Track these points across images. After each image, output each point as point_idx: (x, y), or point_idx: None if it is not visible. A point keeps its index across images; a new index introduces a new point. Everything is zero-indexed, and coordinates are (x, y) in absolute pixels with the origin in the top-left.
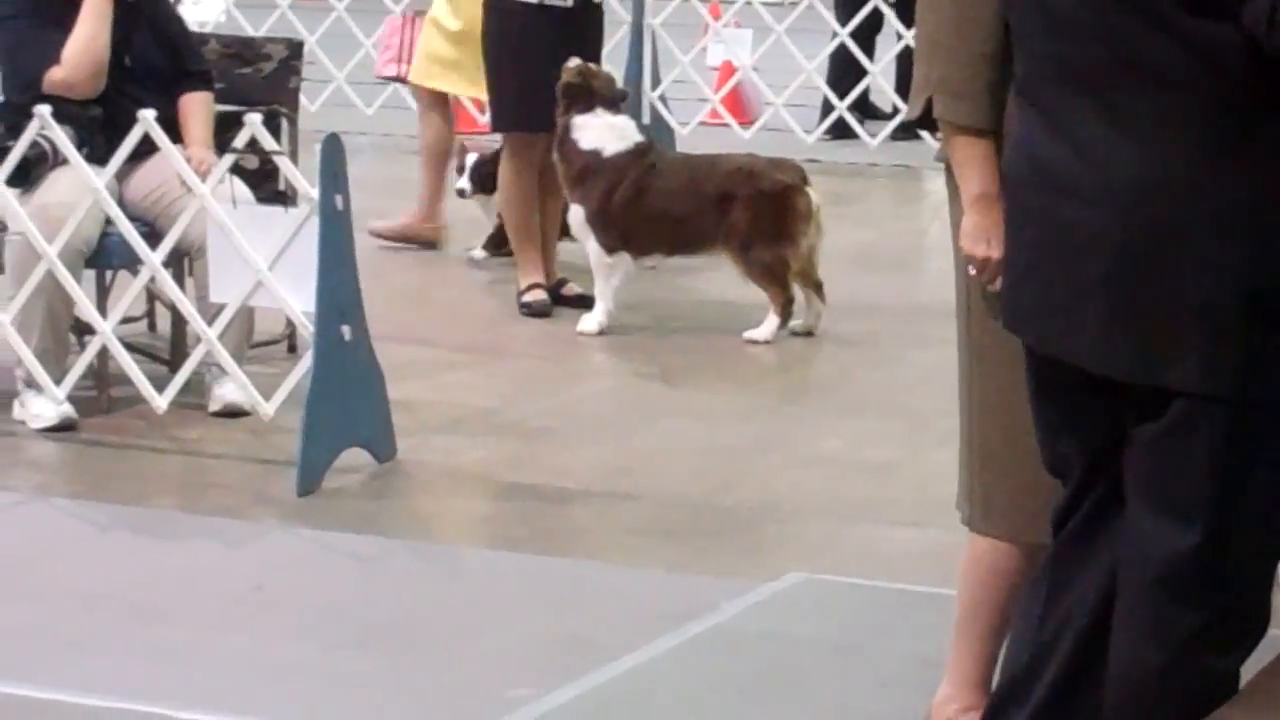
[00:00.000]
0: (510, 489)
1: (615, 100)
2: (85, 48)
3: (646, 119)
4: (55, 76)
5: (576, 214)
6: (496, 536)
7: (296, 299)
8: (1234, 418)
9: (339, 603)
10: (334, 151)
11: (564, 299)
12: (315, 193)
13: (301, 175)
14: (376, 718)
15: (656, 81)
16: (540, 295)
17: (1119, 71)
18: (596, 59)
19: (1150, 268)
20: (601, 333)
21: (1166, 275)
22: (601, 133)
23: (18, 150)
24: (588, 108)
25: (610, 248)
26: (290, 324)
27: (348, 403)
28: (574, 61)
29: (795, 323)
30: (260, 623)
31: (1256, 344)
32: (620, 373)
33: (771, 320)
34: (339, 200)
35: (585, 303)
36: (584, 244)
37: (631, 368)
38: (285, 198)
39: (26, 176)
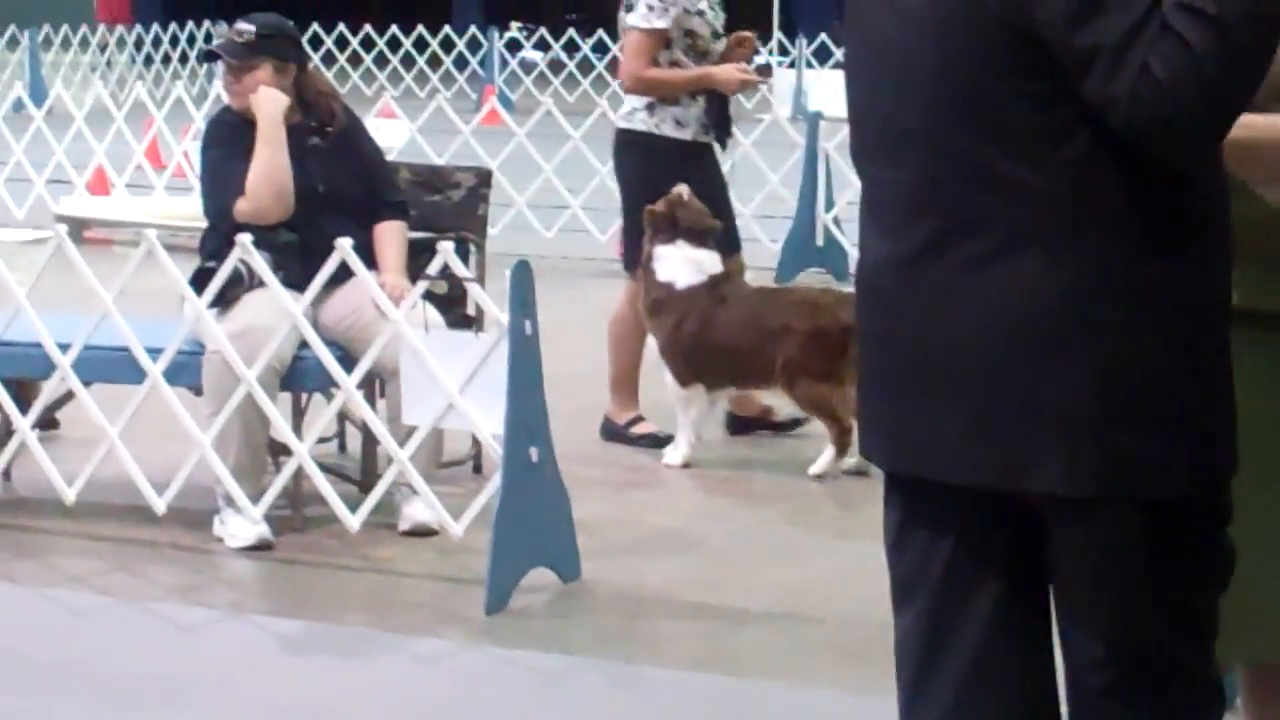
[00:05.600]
0: (694, 609)
1: (700, 232)
2: (265, 176)
3: (820, 241)
4: (241, 207)
5: (652, 345)
6: (681, 657)
7: (486, 421)
8: (1115, 519)
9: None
10: (523, 278)
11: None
12: (505, 318)
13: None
14: None
15: (830, 204)
16: (653, 427)
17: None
18: (716, 189)
19: (1002, 376)
20: (686, 465)
21: (1021, 383)
22: (679, 265)
23: (221, 275)
24: (670, 239)
25: (683, 380)
26: (476, 445)
27: (535, 523)
28: (679, 189)
29: (849, 461)
30: None
31: (1115, 443)
32: (795, 495)
33: (828, 452)
34: (528, 325)
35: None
36: (662, 376)
37: (805, 489)
38: (473, 322)
39: (222, 298)
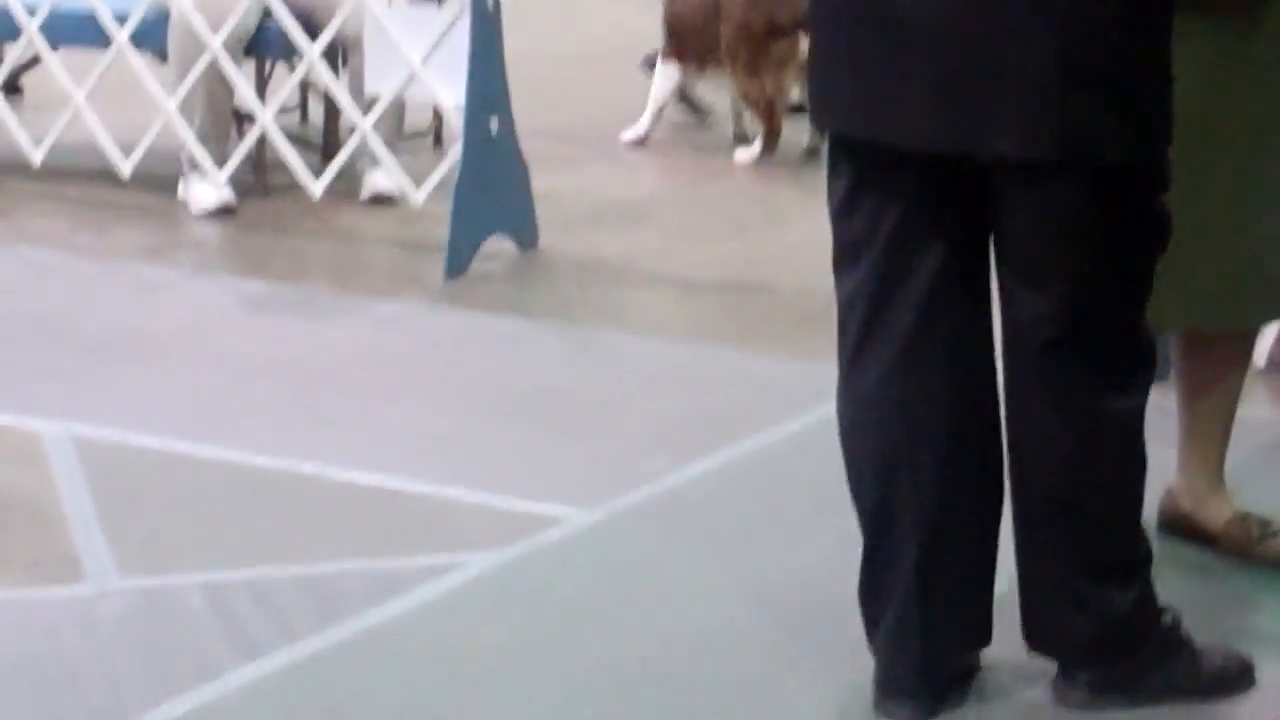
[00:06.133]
0: (648, 278)
1: None
2: None
3: None
4: None
5: None
6: (636, 322)
7: (448, 92)
8: (1068, 183)
9: (485, 377)
10: None
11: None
12: None
13: None
14: (519, 481)
15: None
16: None
17: None
18: None
19: (970, 42)
20: (641, 142)
21: (986, 48)
22: None
23: None
24: None
25: (663, 53)
26: (437, 118)
27: (494, 191)
28: None
29: (804, 141)
30: (411, 393)
31: (1075, 110)
32: (748, 174)
33: (755, 145)
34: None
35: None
36: None
37: (761, 170)
38: None
39: None
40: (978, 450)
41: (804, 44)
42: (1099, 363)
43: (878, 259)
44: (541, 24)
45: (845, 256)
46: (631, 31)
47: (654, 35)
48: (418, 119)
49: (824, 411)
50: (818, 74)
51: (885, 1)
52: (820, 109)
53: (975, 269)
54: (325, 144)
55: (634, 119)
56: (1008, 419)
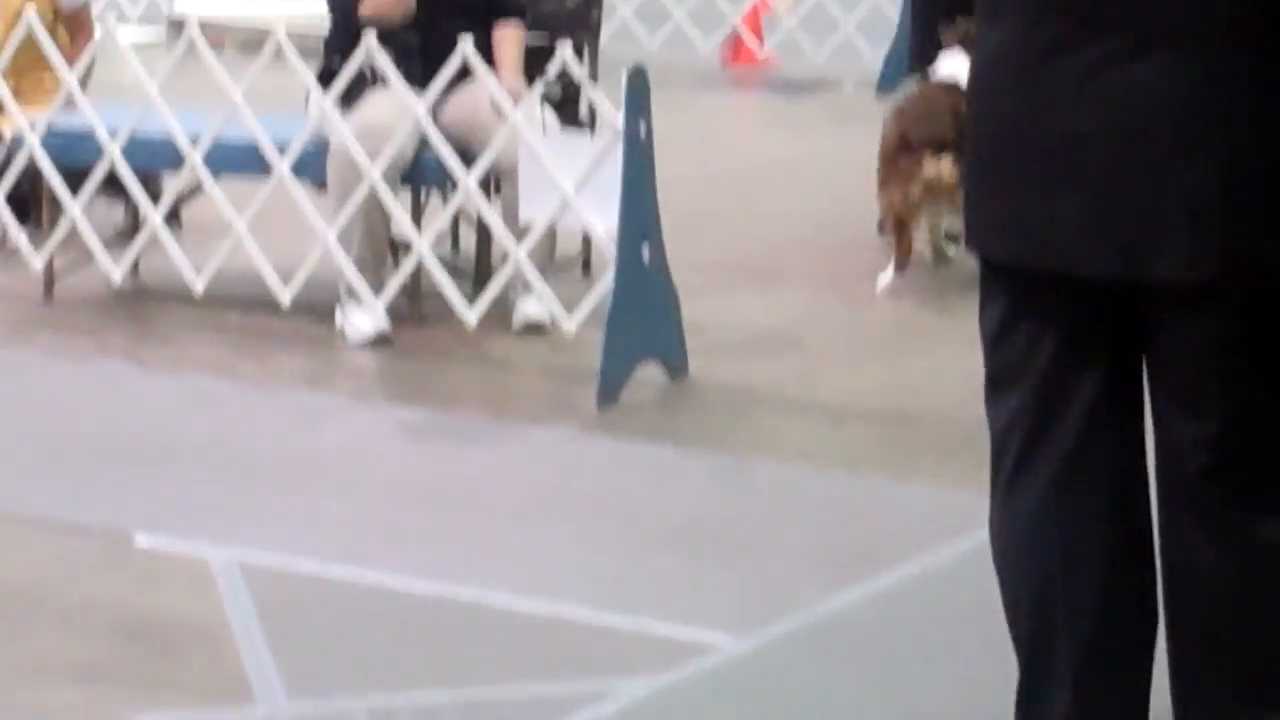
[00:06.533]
0: (796, 406)
1: None
2: None
3: None
4: (364, 8)
5: None
6: (785, 450)
7: (600, 220)
8: (1229, 308)
9: (638, 505)
10: (639, 82)
11: None
12: (620, 120)
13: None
14: (673, 607)
15: None
16: None
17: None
18: None
19: (1131, 165)
20: None
21: (1147, 171)
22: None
23: (346, 72)
24: None
25: None
26: (586, 246)
27: (645, 319)
28: None
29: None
30: (566, 520)
31: (1235, 234)
32: (890, 300)
33: (888, 270)
34: (643, 128)
35: None
36: None
37: (899, 295)
38: (584, 125)
39: (347, 96)
40: (1135, 577)
41: (937, 163)
42: (1256, 490)
43: (1035, 385)
44: (686, 152)
45: (1001, 381)
46: (772, 158)
47: (795, 160)
48: (566, 246)
49: (974, 540)
50: (974, 195)
51: (1046, 123)
52: (978, 231)
53: (1131, 392)
54: (477, 272)
55: (777, 246)
56: (1161, 543)
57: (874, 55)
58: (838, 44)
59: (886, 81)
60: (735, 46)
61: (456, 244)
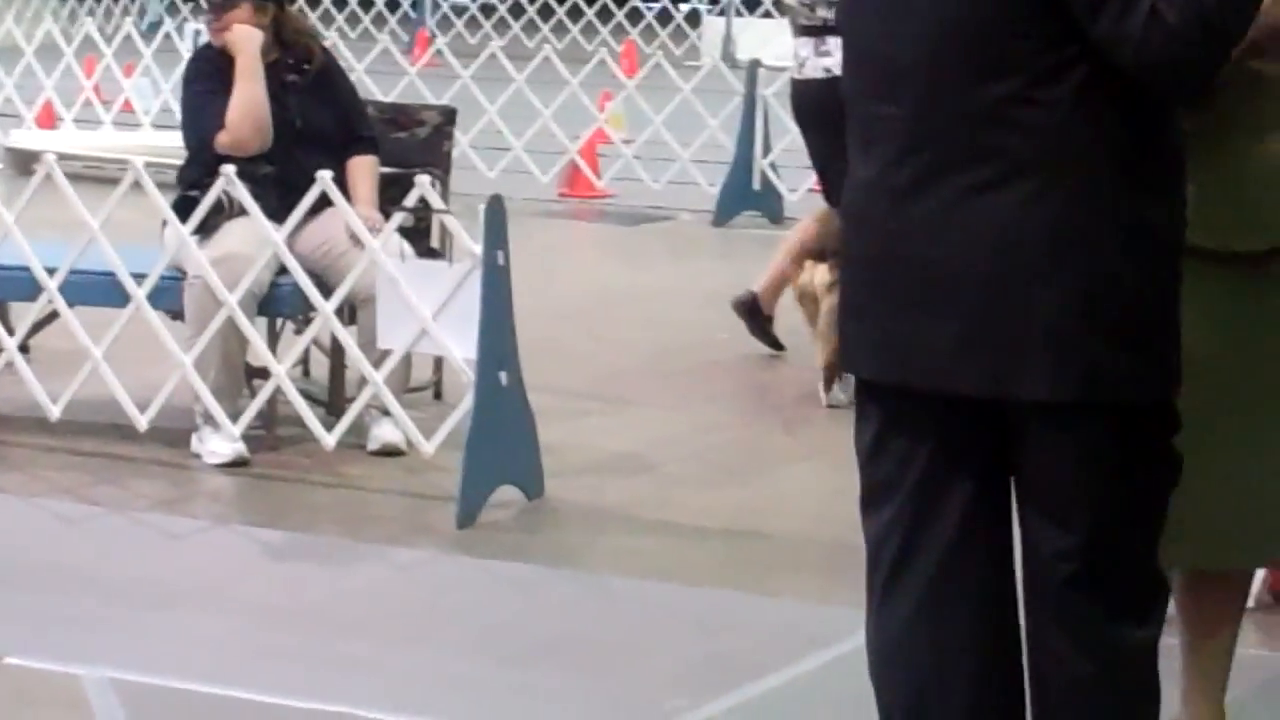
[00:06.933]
0: (652, 526)
1: None
2: (244, 109)
3: (757, 185)
4: (222, 139)
5: None
6: (642, 568)
7: (458, 347)
8: (1092, 425)
9: (502, 623)
10: (497, 211)
11: None
12: (477, 248)
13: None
14: None
15: (768, 149)
16: None
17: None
18: None
19: (994, 288)
20: None
21: (1010, 294)
22: None
23: (205, 204)
24: None
25: None
26: (438, 371)
27: (503, 443)
28: None
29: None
30: (430, 638)
31: (1096, 354)
32: (743, 421)
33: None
34: (500, 256)
35: None
36: None
37: (754, 416)
38: (437, 254)
39: (204, 226)
40: (1006, 682)
41: (812, 271)
42: (1118, 596)
43: (908, 498)
44: (531, 280)
45: (876, 495)
46: (615, 288)
47: (636, 289)
48: (419, 373)
49: (837, 651)
50: (848, 314)
51: (917, 247)
52: (852, 350)
53: (1000, 504)
54: (330, 397)
55: (625, 372)
56: (1029, 650)
57: (710, 187)
58: (674, 174)
59: (723, 213)
60: (573, 177)
61: (308, 370)
